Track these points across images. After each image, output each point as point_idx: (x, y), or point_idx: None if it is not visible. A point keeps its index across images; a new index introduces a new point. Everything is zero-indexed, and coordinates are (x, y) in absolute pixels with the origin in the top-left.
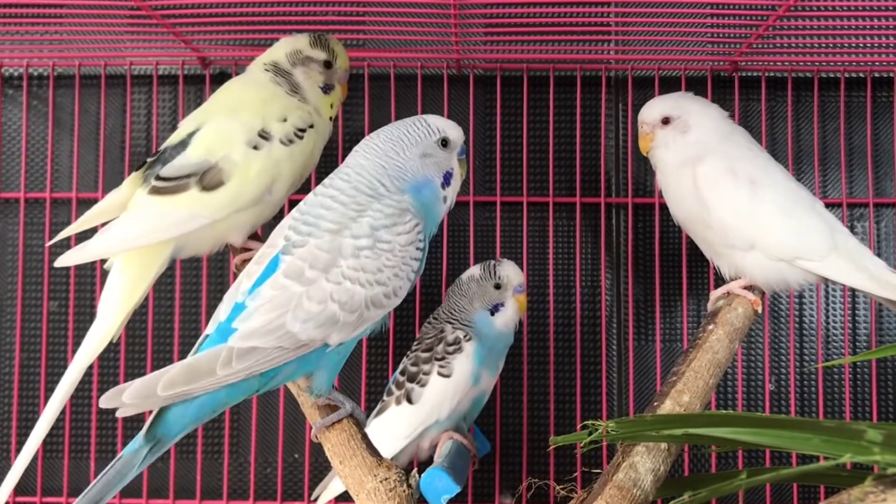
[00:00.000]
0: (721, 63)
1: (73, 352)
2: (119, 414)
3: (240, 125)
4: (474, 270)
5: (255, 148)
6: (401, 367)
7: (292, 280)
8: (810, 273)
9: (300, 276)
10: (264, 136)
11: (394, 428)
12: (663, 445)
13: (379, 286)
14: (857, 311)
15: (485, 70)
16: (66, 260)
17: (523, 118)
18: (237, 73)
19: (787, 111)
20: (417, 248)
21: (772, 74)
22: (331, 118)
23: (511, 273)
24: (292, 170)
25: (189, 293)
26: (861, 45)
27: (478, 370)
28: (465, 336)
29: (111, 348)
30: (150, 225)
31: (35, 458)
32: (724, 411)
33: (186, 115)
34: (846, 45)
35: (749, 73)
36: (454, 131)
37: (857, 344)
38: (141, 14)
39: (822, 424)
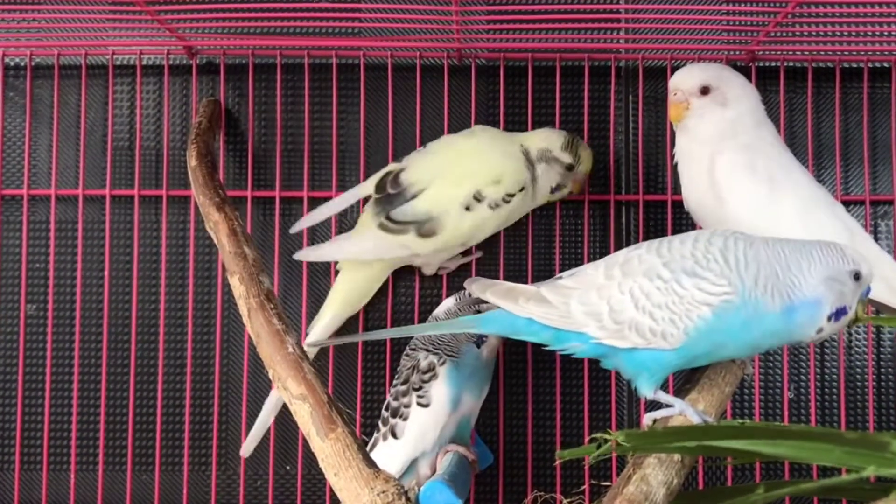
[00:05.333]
0: (737, 52)
1: (52, 355)
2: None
3: (462, 191)
4: (449, 304)
5: (468, 209)
6: (385, 403)
7: (605, 270)
8: None
9: (610, 270)
10: (478, 198)
11: (384, 465)
12: (676, 457)
13: (650, 319)
14: (880, 315)
15: (487, 60)
16: (302, 255)
17: (528, 111)
18: (225, 64)
19: (806, 103)
20: (712, 313)
21: (791, 64)
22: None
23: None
24: (495, 226)
25: (201, 300)
26: (886, 32)
27: (456, 393)
28: (439, 360)
29: (119, 359)
30: (375, 249)
31: (12, 471)
32: (740, 421)
33: (171, 109)
34: (870, 33)
35: (767, 63)
36: (867, 268)
37: (882, 349)
38: (124, 0)
39: (845, 436)
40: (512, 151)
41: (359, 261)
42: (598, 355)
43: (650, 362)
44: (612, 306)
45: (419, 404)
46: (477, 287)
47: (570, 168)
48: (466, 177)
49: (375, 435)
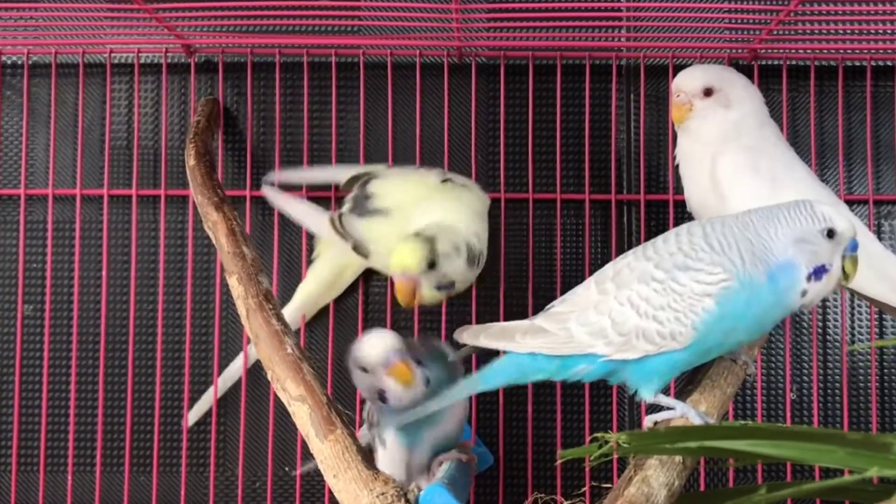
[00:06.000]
0: (739, 51)
1: (49, 356)
2: (467, 340)
3: (396, 244)
4: (351, 362)
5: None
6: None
7: (596, 286)
8: None
9: (602, 285)
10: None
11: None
12: (678, 459)
13: (655, 322)
14: (884, 315)
15: (488, 58)
16: (268, 191)
17: (529, 109)
18: (223, 62)
19: (809, 102)
20: (715, 302)
21: (793, 63)
22: None
23: (372, 354)
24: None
25: (199, 300)
26: (890, 31)
27: (405, 437)
28: (376, 409)
29: (116, 360)
30: (325, 233)
31: (9, 472)
32: (742, 422)
33: (170, 107)
34: (873, 31)
35: (769, 62)
36: (843, 223)
37: (885, 349)
38: None
39: (848, 436)
40: (477, 219)
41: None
42: (606, 373)
43: (662, 367)
44: (614, 319)
45: (380, 442)
46: (469, 335)
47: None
48: (408, 241)
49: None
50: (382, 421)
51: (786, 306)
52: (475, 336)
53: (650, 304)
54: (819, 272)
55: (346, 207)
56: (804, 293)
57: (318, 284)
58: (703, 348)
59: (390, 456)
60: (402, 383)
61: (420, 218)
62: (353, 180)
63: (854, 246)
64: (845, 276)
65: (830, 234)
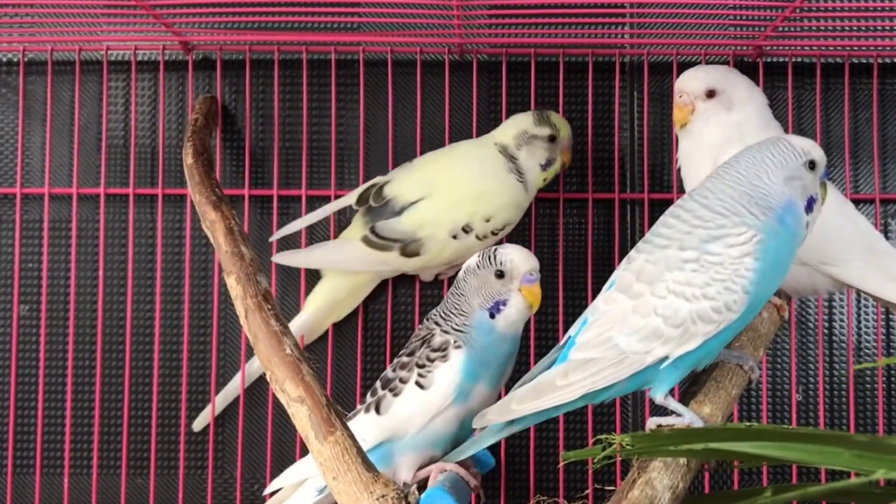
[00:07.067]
0: (744, 47)
1: (46, 357)
2: (475, 425)
3: (451, 218)
4: (471, 260)
5: (455, 238)
6: (384, 373)
7: (623, 294)
8: (836, 279)
9: (629, 290)
10: (466, 230)
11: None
12: (682, 461)
13: (707, 300)
14: (891, 317)
15: (489, 55)
16: (281, 259)
17: (531, 107)
18: (222, 59)
19: (815, 99)
20: (755, 259)
21: (799, 60)
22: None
23: (517, 257)
24: (483, 248)
25: (197, 300)
26: None
27: (466, 385)
28: (454, 342)
29: (113, 360)
30: (357, 261)
31: (5, 474)
32: (748, 424)
33: (167, 105)
34: (879, 27)
35: (774, 59)
36: (818, 152)
37: (892, 351)
38: None
39: (854, 438)
40: (497, 171)
41: (343, 273)
42: (650, 380)
43: (718, 343)
44: (664, 314)
45: (417, 384)
46: (496, 413)
47: (552, 139)
48: (457, 206)
49: (359, 406)
50: (466, 360)
51: (798, 242)
52: (503, 411)
53: (694, 285)
54: (811, 203)
55: (370, 221)
56: (807, 225)
57: (324, 308)
58: (751, 309)
59: (429, 402)
60: (530, 302)
61: (459, 194)
62: (363, 195)
63: (827, 174)
64: (822, 201)
65: (812, 165)
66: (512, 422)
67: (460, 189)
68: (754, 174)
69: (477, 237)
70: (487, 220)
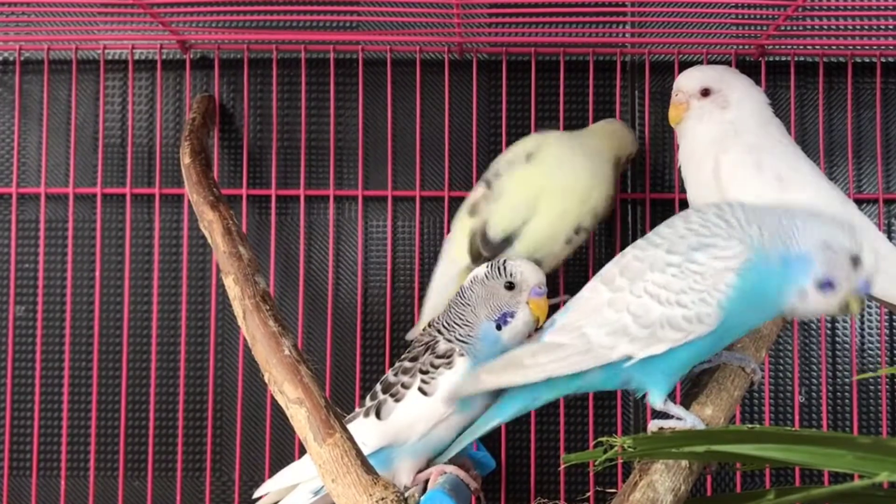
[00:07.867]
0: (746, 47)
1: (42, 358)
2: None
3: (563, 228)
4: (479, 270)
5: (568, 242)
6: (384, 377)
7: (605, 285)
8: None
9: (611, 283)
10: (577, 231)
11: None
12: (684, 463)
13: (679, 307)
14: (894, 316)
15: (489, 54)
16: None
17: (531, 107)
18: (219, 58)
19: (818, 99)
20: (737, 276)
21: (802, 59)
22: None
23: (527, 270)
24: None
25: (195, 301)
26: None
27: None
28: (458, 351)
29: (110, 362)
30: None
31: (1, 477)
32: (750, 426)
33: (164, 105)
34: (882, 26)
35: (777, 58)
36: (871, 260)
37: (895, 352)
38: None
39: (857, 441)
40: (602, 172)
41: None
42: (626, 380)
43: (687, 356)
44: (635, 312)
45: (420, 390)
46: (469, 385)
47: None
48: (567, 213)
49: (357, 409)
50: (470, 368)
51: (783, 296)
52: (476, 383)
53: (670, 290)
54: (827, 285)
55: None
56: (804, 294)
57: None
58: (727, 328)
59: (431, 408)
60: (536, 315)
61: (567, 201)
62: (473, 250)
63: (866, 286)
64: (846, 308)
65: (856, 261)
66: (497, 413)
67: (568, 196)
68: (803, 217)
69: (585, 231)
70: (595, 215)
